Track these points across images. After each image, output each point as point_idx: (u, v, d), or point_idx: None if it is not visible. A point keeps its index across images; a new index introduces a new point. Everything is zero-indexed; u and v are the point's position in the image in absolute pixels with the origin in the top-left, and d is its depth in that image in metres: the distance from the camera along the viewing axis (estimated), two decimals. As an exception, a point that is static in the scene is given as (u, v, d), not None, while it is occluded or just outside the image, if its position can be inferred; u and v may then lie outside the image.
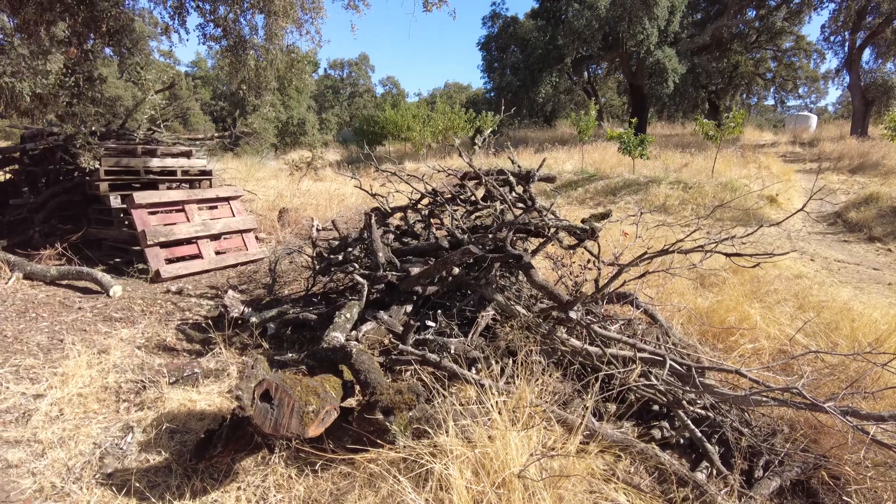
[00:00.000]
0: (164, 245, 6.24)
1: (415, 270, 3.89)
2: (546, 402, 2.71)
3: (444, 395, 2.71)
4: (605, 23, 22.81)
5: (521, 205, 4.27)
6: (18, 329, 4.24)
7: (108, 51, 6.87)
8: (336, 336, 3.11)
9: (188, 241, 6.52)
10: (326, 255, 4.90)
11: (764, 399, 2.68)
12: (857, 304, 4.76)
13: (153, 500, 2.39)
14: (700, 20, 26.58)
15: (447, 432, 2.36)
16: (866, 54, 23.35)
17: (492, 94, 31.37)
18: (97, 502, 2.39)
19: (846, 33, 23.00)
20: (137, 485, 2.48)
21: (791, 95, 31.99)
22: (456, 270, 4.01)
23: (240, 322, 4.35)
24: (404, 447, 2.42)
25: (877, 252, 8.76)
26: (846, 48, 23.19)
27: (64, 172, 7.16)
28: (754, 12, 26.03)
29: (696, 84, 27.18)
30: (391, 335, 3.48)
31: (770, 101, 34.84)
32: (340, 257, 4.71)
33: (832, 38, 24.40)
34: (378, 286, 4.04)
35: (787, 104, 34.81)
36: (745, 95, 31.85)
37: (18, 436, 2.84)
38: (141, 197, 6.20)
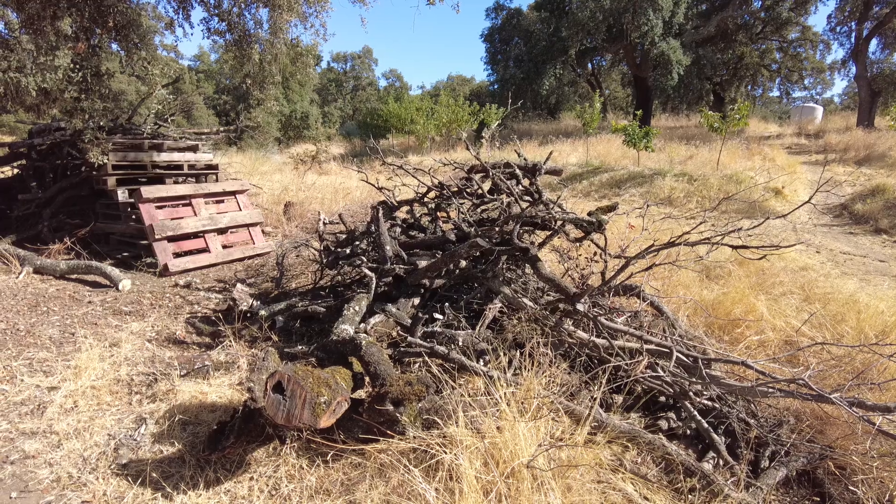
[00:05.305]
0: (171, 239, 6.28)
1: (422, 263, 3.92)
2: (554, 393, 2.74)
3: (452, 387, 2.74)
4: (610, 14, 22.65)
5: (527, 198, 4.29)
6: (31, 323, 4.29)
7: (114, 46, 6.88)
8: (345, 328, 3.14)
9: (195, 235, 6.57)
10: (334, 249, 4.93)
11: (770, 390, 2.69)
12: (863, 295, 4.75)
13: (168, 489, 2.44)
14: (705, 11, 26.34)
15: (457, 423, 2.39)
16: (873, 45, 23.13)
17: (495, 87, 31.28)
18: (113, 492, 2.44)
19: (853, 23, 22.75)
20: (153, 475, 2.53)
21: (797, 87, 31.71)
22: (463, 263, 4.03)
23: (249, 315, 4.38)
24: (414, 438, 2.45)
25: (883, 244, 8.73)
26: (853, 38, 22.96)
27: (71, 167, 7.20)
28: (760, 3, 25.78)
29: (700, 76, 27.01)
30: (399, 327, 3.51)
31: (775, 93, 34.56)
32: (348, 251, 4.74)
33: (839, 29, 24.13)
34: (386, 279, 4.07)
35: (793, 95, 34.50)
36: (750, 87, 31.57)
37: (35, 427, 2.89)
38: (148, 191, 6.23)
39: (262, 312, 4.27)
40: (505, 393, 2.55)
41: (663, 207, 10.63)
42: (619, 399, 3.05)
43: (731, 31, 25.79)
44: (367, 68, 54.17)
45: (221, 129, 9.94)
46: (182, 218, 6.46)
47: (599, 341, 3.19)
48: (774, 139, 19.67)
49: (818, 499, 2.65)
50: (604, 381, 2.74)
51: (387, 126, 27.10)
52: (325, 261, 4.87)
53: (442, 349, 3.03)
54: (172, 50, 33.53)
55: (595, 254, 3.97)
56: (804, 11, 24.94)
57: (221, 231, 6.89)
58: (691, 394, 2.98)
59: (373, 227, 4.70)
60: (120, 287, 5.28)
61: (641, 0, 21.78)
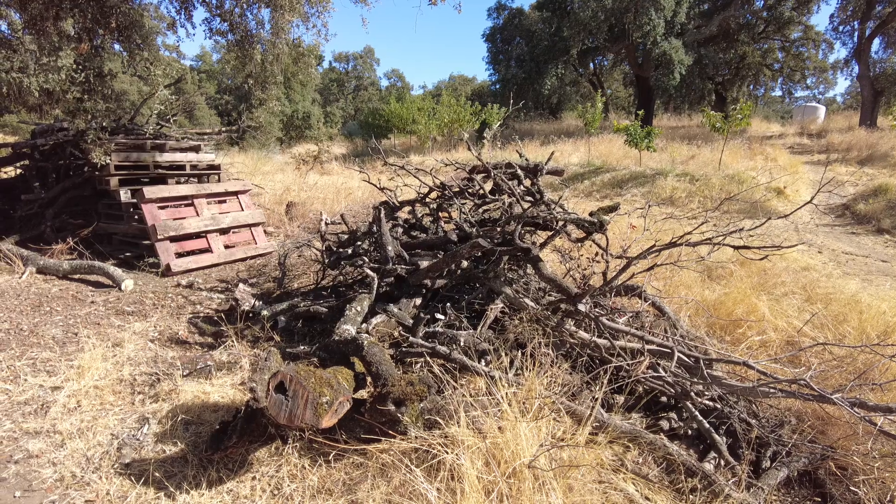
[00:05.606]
0: (173, 239, 6.30)
1: (424, 264, 3.92)
2: (555, 393, 2.74)
3: (454, 387, 2.75)
4: (611, 14, 22.62)
5: (529, 198, 4.29)
6: (34, 322, 4.31)
7: (116, 46, 6.90)
8: (347, 329, 3.14)
9: (198, 236, 6.58)
10: (336, 249, 4.94)
11: (771, 390, 2.70)
12: (865, 296, 4.75)
13: (171, 489, 2.45)
14: (707, 10, 26.28)
15: (458, 423, 2.40)
16: (876, 44, 23.07)
17: (497, 87, 31.29)
18: (116, 492, 2.45)
19: (855, 23, 22.71)
20: (155, 475, 2.54)
21: (799, 86, 31.59)
22: (465, 264, 4.04)
23: (251, 315, 4.39)
24: (416, 438, 2.45)
25: (885, 244, 8.72)
26: (855, 38, 22.91)
27: (74, 168, 7.22)
28: (762, 2, 25.74)
29: (702, 75, 26.94)
30: (401, 328, 3.52)
31: (777, 93, 34.43)
32: (350, 251, 4.75)
33: (841, 28, 24.09)
34: (387, 279, 4.08)
35: (795, 95, 34.41)
36: (752, 86, 31.45)
37: (38, 427, 2.90)
38: (151, 192, 6.25)
39: (265, 312, 4.28)
40: (506, 393, 2.56)
41: (665, 207, 10.62)
42: (620, 399, 3.05)
43: (733, 31, 25.74)
44: (369, 68, 54.22)
45: (223, 129, 9.95)
46: (184, 218, 6.48)
47: (601, 341, 3.19)
48: (776, 139, 19.63)
49: (819, 499, 2.65)
50: (605, 382, 2.74)
51: (388, 126, 27.12)
52: (327, 261, 4.88)
53: (443, 349, 3.04)
54: (174, 50, 33.62)
55: (597, 254, 3.97)
56: (806, 11, 24.87)
57: (224, 231, 6.90)
58: (693, 394, 2.98)
59: (375, 228, 4.71)
60: (122, 287, 5.30)
61: (643, 0, 21.75)
